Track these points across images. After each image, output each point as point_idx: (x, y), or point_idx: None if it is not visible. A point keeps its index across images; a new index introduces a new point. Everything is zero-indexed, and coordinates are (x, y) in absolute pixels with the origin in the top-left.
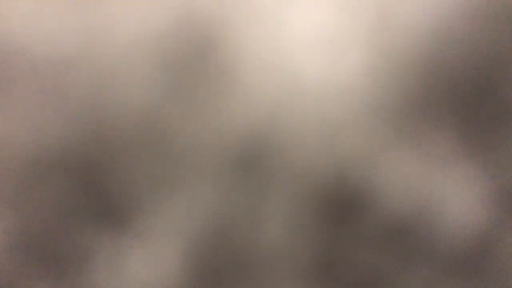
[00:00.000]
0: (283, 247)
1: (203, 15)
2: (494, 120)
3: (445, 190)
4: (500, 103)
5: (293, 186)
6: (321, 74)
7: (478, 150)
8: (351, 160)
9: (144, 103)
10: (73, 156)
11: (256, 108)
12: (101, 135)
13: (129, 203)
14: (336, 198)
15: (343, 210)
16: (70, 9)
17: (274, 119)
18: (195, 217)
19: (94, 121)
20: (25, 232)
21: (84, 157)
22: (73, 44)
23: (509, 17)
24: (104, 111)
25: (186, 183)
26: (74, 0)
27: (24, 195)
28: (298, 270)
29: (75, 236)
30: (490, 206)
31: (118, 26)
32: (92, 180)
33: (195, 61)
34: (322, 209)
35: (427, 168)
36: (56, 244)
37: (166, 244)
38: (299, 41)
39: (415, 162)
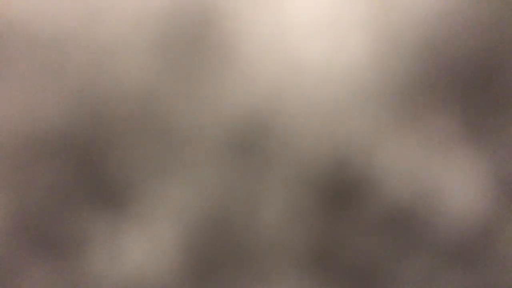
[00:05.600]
0: (282, 233)
1: None
2: (496, 106)
3: (446, 177)
4: (502, 88)
5: (292, 171)
6: (322, 58)
7: (480, 137)
8: (351, 145)
9: (143, 84)
10: (69, 138)
11: (256, 91)
12: (98, 117)
13: (126, 187)
14: (336, 184)
15: (342, 196)
16: None
17: (274, 103)
18: (193, 201)
19: (92, 102)
20: (21, 216)
21: (81, 139)
22: (71, 23)
23: (511, 4)
24: (102, 92)
25: (184, 167)
26: None
27: (21, 178)
28: (296, 257)
29: (72, 220)
30: (491, 193)
31: (117, 5)
32: (89, 162)
33: (194, 42)
34: (321, 195)
35: (428, 154)
36: (53, 228)
37: (164, 228)
38: (300, 23)
39: (416, 148)
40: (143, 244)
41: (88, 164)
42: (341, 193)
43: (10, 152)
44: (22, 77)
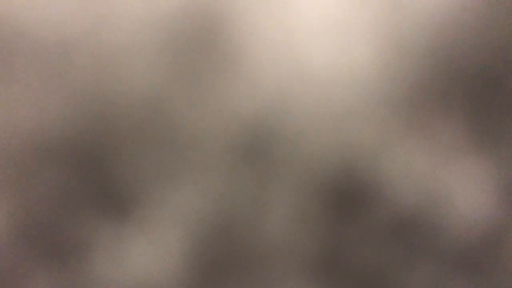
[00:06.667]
0: (287, 239)
1: (210, 1)
2: (504, 113)
3: (453, 183)
4: (510, 95)
5: (299, 177)
6: (329, 63)
7: (487, 143)
8: (358, 151)
9: (148, 89)
10: (74, 143)
11: (262, 97)
12: (104, 123)
13: (132, 192)
14: (342, 190)
15: (349, 202)
16: None
17: (280, 108)
18: (199, 206)
19: (97, 107)
20: (26, 221)
21: (86, 145)
22: (76, 28)
23: None
24: (107, 98)
25: (189, 173)
26: None
27: (25, 183)
28: (302, 262)
29: (77, 225)
30: (498, 199)
31: (123, 10)
32: (95, 168)
33: (200, 48)
34: (327, 201)
35: (435, 160)
36: (58, 233)
37: (169, 234)
38: (307, 29)
39: (423, 154)
40: (148, 249)
41: (93, 170)
42: (347, 199)
43: (15, 157)
44: (27, 83)
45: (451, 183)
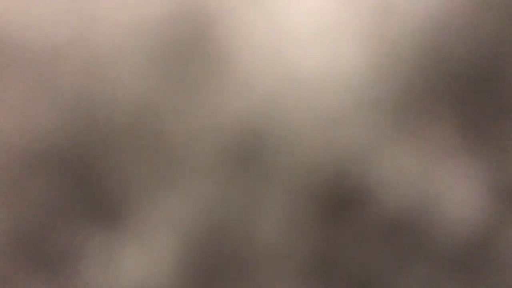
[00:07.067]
0: (280, 244)
1: (199, 5)
2: (494, 113)
3: (445, 185)
4: (500, 96)
5: (290, 181)
6: (319, 67)
7: (477, 144)
8: (349, 154)
9: (138, 95)
10: (65, 151)
11: (253, 101)
12: (93, 130)
13: (122, 199)
14: (334, 194)
15: (341, 206)
16: None
17: (271, 113)
18: (190, 213)
19: (87, 114)
20: (17, 230)
21: (76, 152)
22: (66, 33)
23: (510, 10)
24: (97, 104)
25: (181, 179)
26: None
27: (15, 191)
28: (295, 267)
29: (68, 233)
30: (490, 200)
31: (112, 15)
32: (85, 175)
33: (190, 52)
34: (319, 205)
35: (427, 162)
36: (49, 241)
37: (160, 241)
38: (297, 32)
39: (415, 157)
40: (140, 257)
41: (84, 176)
42: (339, 203)
43: (4, 165)
44: (15, 89)
45: (442, 185)
